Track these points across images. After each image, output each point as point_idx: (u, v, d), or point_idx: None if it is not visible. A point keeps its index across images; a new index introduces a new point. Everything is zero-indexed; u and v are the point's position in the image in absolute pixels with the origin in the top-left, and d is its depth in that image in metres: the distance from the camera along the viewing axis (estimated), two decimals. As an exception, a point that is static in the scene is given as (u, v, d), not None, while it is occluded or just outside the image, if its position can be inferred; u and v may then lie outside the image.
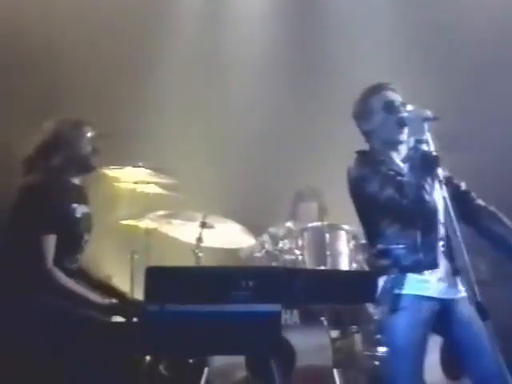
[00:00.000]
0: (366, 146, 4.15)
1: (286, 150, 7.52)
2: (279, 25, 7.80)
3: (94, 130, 4.45)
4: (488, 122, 6.83)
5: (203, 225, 5.74)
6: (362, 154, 4.12)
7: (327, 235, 5.83)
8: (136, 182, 6.19)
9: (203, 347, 3.69)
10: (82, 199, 4.43)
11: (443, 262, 3.94)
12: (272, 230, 6.46)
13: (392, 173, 3.96)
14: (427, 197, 3.80)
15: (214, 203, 6.44)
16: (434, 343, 5.69)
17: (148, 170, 6.11)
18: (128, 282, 6.18)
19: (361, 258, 5.91)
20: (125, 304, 4.29)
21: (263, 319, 3.49)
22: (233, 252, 6.45)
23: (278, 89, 7.60)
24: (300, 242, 5.88)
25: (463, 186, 4.15)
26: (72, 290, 4.14)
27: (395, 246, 3.90)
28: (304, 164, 7.28)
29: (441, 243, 3.95)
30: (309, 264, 5.80)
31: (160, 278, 3.55)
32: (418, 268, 3.89)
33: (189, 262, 5.84)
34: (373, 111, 4.07)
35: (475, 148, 6.65)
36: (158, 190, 6.27)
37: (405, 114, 3.96)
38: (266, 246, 6.05)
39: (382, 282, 3.92)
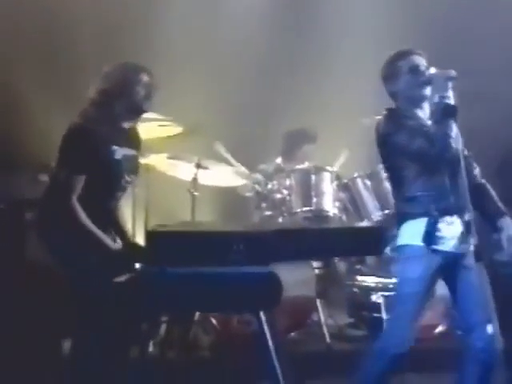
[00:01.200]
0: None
1: (276, 98, 7.53)
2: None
3: (149, 75, 4.46)
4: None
5: (198, 166, 5.90)
6: (389, 111, 4.37)
7: (313, 176, 5.95)
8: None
9: (200, 305, 3.92)
10: (127, 142, 4.46)
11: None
12: (263, 166, 6.52)
13: (419, 125, 4.18)
14: (453, 144, 4.02)
15: (210, 146, 6.47)
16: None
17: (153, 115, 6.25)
18: (130, 212, 6.46)
19: (343, 196, 6.08)
20: (132, 255, 4.40)
21: (253, 280, 3.73)
22: (225, 191, 6.60)
23: (273, 42, 7.60)
24: (288, 182, 5.97)
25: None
26: (87, 228, 4.23)
27: (426, 193, 4.12)
28: (295, 110, 7.32)
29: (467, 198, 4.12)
30: (295, 202, 5.91)
31: (159, 242, 3.74)
32: (449, 212, 4.11)
33: (185, 199, 6.06)
34: (400, 74, 4.26)
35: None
36: (160, 132, 6.26)
37: (429, 74, 4.15)
38: (257, 186, 6.12)
39: (404, 228, 4.19)
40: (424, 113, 4.28)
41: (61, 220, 4.28)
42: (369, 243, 4.91)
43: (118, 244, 4.48)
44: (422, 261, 4.14)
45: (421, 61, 4.26)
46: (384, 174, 6.08)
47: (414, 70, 4.23)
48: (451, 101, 4.04)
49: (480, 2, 7.34)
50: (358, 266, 6.25)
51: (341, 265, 6.34)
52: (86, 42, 7.08)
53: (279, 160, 6.72)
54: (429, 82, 4.16)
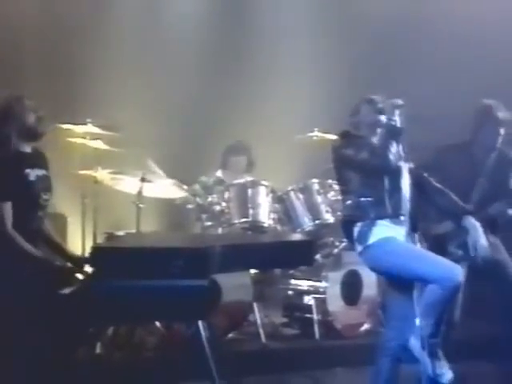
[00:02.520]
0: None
1: (218, 109, 7.61)
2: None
3: (33, 101, 4.52)
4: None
5: (143, 180, 5.96)
6: (344, 133, 4.73)
7: (249, 190, 6.11)
8: (85, 137, 6.34)
9: (141, 315, 4.02)
10: (37, 163, 4.54)
11: (406, 221, 4.43)
12: (203, 178, 6.55)
13: (366, 143, 4.51)
14: (392, 157, 4.33)
15: (153, 157, 6.43)
16: (335, 279, 6.23)
17: (96, 127, 6.33)
18: (79, 221, 6.57)
19: (278, 208, 6.23)
20: (75, 268, 4.47)
21: (191, 292, 3.83)
22: (168, 202, 6.70)
23: (212, 50, 7.66)
24: (226, 195, 6.12)
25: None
26: (28, 251, 4.32)
27: (364, 199, 4.43)
28: (235, 121, 7.40)
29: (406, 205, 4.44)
30: (233, 214, 6.06)
31: (103, 256, 3.88)
32: (383, 217, 4.39)
33: (131, 210, 6.12)
34: (359, 107, 4.65)
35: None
36: (104, 145, 6.41)
37: (381, 105, 4.53)
38: (197, 199, 6.23)
39: (357, 227, 4.43)
40: (375, 136, 4.60)
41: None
42: (301, 255, 5.16)
43: (55, 259, 4.55)
44: None
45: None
46: (316, 188, 6.36)
47: (370, 101, 4.61)
48: (397, 123, 4.37)
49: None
50: (292, 271, 6.39)
51: (276, 270, 6.48)
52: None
53: (219, 173, 6.79)
54: (382, 112, 4.50)
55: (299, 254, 5.30)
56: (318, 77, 7.48)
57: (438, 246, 5.20)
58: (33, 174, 4.49)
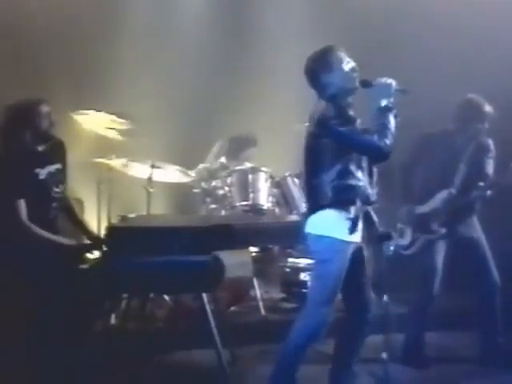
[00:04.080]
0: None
1: (222, 101, 7.72)
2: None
3: (48, 105, 4.77)
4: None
5: (153, 166, 6.20)
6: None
7: (250, 176, 6.28)
8: (100, 127, 6.49)
9: (152, 288, 4.34)
10: (49, 160, 4.78)
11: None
12: (207, 165, 6.73)
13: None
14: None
15: (163, 147, 6.87)
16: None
17: (109, 116, 6.45)
18: (95, 205, 6.76)
19: (276, 192, 6.39)
20: (92, 245, 4.74)
21: (195, 267, 4.09)
22: (176, 187, 6.91)
23: (217, 47, 7.75)
24: (229, 180, 6.32)
25: None
26: (45, 236, 4.58)
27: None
28: (237, 112, 7.47)
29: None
30: (235, 198, 6.25)
31: (117, 235, 4.09)
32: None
33: (142, 195, 6.34)
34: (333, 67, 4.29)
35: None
36: (118, 135, 6.53)
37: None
38: (203, 184, 6.44)
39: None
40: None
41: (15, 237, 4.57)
42: (295, 234, 5.32)
43: (72, 240, 4.76)
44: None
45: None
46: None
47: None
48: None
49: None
50: (289, 250, 6.57)
51: (275, 249, 6.64)
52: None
53: (223, 159, 6.92)
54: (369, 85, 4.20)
55: (294, 234, 5.53)
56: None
57: (421, 224, 5.42)
58: (44, 172, 4.73)
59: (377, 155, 4.14)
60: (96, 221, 6.66)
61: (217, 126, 7.44)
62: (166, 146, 6.98)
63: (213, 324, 4.31)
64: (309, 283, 5.06)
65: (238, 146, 6.94)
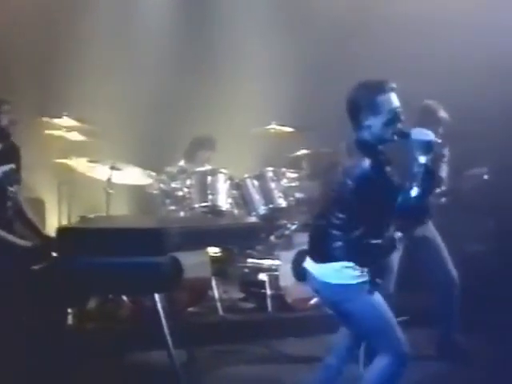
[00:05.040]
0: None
1: (183, 104, 7.59)
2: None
3: (9, 105, 4.65)
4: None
5: (112, 168, 6.04)
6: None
7: (209, 177, 6.18)
8: (61, 129, 6.42)
9: (103, 288, 4.15)
10: (4, 159, 4.65)
11: None
12: (168, 168, 6.58)
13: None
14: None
15: (123, 149, 6.73)
16: (287, 258, 6.22)
17: (71, 120, 6.41)
18: (56, 206, 6.65)
19: (235, 194, 6.29)
20: (44, 246, 4.56)
21: (149, 268, 3.96)
22: (137, 189, 6.77)
23: (177, 49, 7.64)
24: (188, 182, 6.18)
25: None
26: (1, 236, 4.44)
27: None
28: (198, 115, 7.42)
29: None
30: (194, 199, 6.14)
31: (69, 236, 3.95)
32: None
33: (103, 196, 6.18)
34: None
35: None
36: (79, 137, 6.47)
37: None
38: (161, 185, 6.28)
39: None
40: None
41: None
42: (251, 236, 5.25)
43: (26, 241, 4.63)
44: None
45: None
46: (270, 175, 6.41)
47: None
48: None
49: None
50: (249, 251, 6.44)
51: (235, 249, 6.50)
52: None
53: (182, 162, 6.79)
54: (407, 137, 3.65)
55: (252, 235, 5.44)
56: (275, 73, 7.49)
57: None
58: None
59: (414, 220, 3.95)
60: (57, 221, 6.53)
61: (178, 128, 7.32)
62: (128, 148, 6.85)
63: (165, 325, 4.18)
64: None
65: (197, 148, 6.81)
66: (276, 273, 6.13)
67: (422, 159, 3.60)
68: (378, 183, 3.57)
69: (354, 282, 3.64)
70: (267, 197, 6.29)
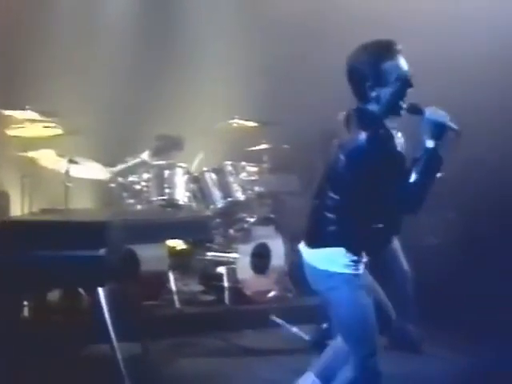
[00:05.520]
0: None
1: (145, 99, 7.49)
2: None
3: None
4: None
5: (70, 161, 5.94)
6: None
7: (166, 171, 6.14)
8: (24, 122, 6.27)
9: (45, 283, 4.11)
10: None
11: None
12: (129, 159, 6.47)
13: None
14: None
15: (86, 143, 6.55)
16: (245, 251, 6.25)
17: (35, 113, 6.32)
18: (19, 198, 6.54)
19: (193, 187, 6.25)
20: None
21: (90, 261, 3.88)
22: (96, 182, 6.67)
23: (139, 45, 7.56)
24: (146, 176, 6.15)
25: None
26: None
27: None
28: (161, 111, 7.33)
29: None
30: (152, 193, 6.10)
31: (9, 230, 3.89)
32: None
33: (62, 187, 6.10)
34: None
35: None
36: (42, 131, 6.30)
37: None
38: (119, 178, 6.23)
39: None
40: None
41: None
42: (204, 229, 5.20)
43: None
44: None
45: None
46: (228, 169, 6.39)
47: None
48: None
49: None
50: (209, 244, 6.37)
51: (194, 242, 6.40)
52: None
53: (145, 155, 6.63)
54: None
55: (210, 228, 5.40)
56: (238, 69, 7.43)
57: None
58: None
59: (408, 209, 3.28)
60: (20, 213, 6.47)
61: (141, 125, 7.22)
62: (90, 143, 6.68)
63: (108, 318, 4.13)
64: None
65: (165, 147, 6.75)
66: (234, 266, 6.10)
67: (430, 143, 3.16)
68: (375, 160, 3.14)
69: (343, 271, 3.30)
70: (225, 190, 6.26)
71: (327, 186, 3.33)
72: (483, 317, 5.44)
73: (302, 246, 3.47)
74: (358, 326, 3.34)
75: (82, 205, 6.84)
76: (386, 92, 3.23)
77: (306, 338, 5.25)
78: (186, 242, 6.30)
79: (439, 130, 3.16)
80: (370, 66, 3.23)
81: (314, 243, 3.40)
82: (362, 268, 3.36)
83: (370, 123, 3.20)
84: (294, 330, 4.96)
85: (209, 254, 6.35)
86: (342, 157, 3.23)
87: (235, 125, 6.87)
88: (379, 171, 3.14)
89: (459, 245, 6.57)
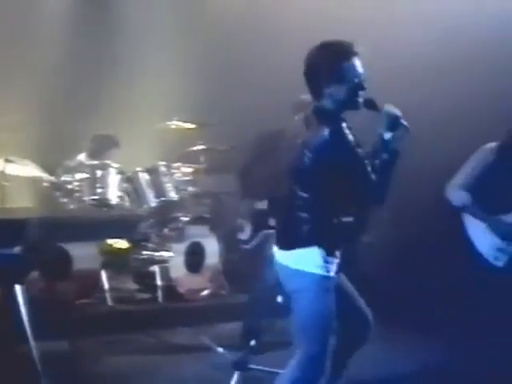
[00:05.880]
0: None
1: (84, 100, 7.47)
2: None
3: None
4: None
5: (6, 160, 5.95)
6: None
7: (99, 171, 6.10)
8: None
9: None
10: None
11: None
12: (66, 162, 6.47)
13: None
14: None
15: (24, 144, 6.67)
16: (179, 250, 6.27)
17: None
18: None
19: (126, 187, 6.24)
20: None
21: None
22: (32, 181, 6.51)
23: (79, 46, 7.52)
24: (79, 176, 6.12)
25: None
26: None
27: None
28: (99, 111, 7.26)
29: None
30: (84, 192, 6.06)
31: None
32: None
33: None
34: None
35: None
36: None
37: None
38: (52, 178, 6.18)
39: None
40: None
41: None
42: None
43: None
44: None
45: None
46: (162, 169, 6.38)
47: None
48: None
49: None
50: (143, 243, 6.38)
51: (130, 240, 6.37)
52: None
53: (82, 157, 6.69)
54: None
55: (136, 227, 5.40)
56: (177, 70, 7.45)
57: (259, 220, 5.33)
58: None
59: (374, 200, 3.39)
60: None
61: (80, 124, 7.18)
62: (29, 144, 6.74)
63: (25, 317, 4.13)
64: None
65: (100, 146, 6.72)
66: (167, 264, 6.14)
67: (387, 135, 3.32)
68: (340, 153, 3.23)
69: (315, 271, 3.31)
70: (158, 190, 6.27)
71: (295, 186, 3.36)
72: (416, 314, 5.49)
73: (276, 250, 3.49)
74: (316, 324, 3.34)
75: (21, 204, 6.82)
76: (340, 91, 3.32)
77: (232, 358, 4.80)
78: (122, 240, 6.26)
79: (395, 123, 3.31)
80: (328, 65, 3.31)
81: (287, 245, 3.41)
82: (333, 270, 3.35)
83: (330, 118, 3.28)
84: (221, 350, 4.94)
85: (144, 252, 6.35)
86: (308, 154, 3.28)
87: (174, 126, 6.88)
88: (344, 164, 3.22)
89: (393, 244, 6.66)
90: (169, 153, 6.85)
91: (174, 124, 6.86)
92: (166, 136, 6.97)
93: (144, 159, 6.72)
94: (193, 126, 6.89)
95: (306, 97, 4.82)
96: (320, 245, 3.30)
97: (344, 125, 3.29)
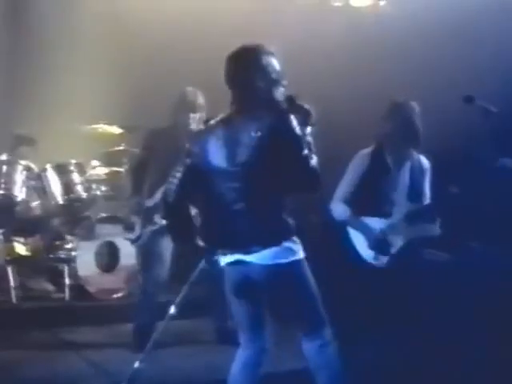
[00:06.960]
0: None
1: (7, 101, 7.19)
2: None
3: None
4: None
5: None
6: None
7: (4, 167, 5.89)
8: None
9: None
10: None
11: None
12: None
13: None
14: None
15: None
16: (88, 248, 6.05)
17: None
18: None
19: (34, 184, 6.05)
20: None
21: None
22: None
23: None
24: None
25: None
26: None
27: None
28: (21, 112, 7.02)
29: None
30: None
31: None
32: None
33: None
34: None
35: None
36: None
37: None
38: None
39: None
40: None
41: None
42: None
43: None
44: None
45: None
46: (71, 167, 6.17)
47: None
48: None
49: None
50: (58, 242, 6.23)
51: (42, 238, 6.26)
52: None
53: (4, 157, 6.27)
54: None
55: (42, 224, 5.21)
56: (101, 72, 7.08)
57: (148, 217, 5.15)
58: None
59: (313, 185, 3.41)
60: None
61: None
62: None
63: None
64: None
65: (15, 144, 6.45)
66: (74, 263, 5.95)
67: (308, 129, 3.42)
68: (277, 141, 3.30)
69: (295, 258, 3.43)
70: (67, 188, 6.07)
71: (243, 187, 3.38)
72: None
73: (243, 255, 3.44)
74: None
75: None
76: (265, 82, 3.44)
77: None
78: (32, 237, 6.15)
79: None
80: (251, 60, 3.47)
81: (266, 244, 3.39)
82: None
83: (259, 112, 3.38)
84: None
85: (54, 250, 6.17)
86: (249, 150, 3.36)
87: (100, 130, 6.74)
88: (281, 152, 3.28)
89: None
90: (89, 152, 6.66)
91: (100, 128, 6.74)
92: (89, 137, 6.80)
93: (61, 158, 6.50)
94: (118, 129, 6.75)
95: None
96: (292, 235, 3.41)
97: (273, 114, 3.36)
